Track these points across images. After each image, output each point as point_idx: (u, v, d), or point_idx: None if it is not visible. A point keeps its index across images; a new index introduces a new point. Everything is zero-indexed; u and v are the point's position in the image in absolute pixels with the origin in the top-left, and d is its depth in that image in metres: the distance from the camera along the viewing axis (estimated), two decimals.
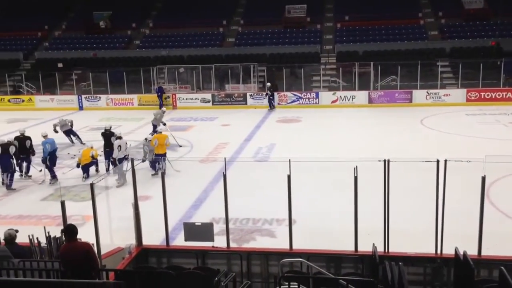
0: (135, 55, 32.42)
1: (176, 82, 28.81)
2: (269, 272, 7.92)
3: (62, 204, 7.29)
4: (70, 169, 14.96)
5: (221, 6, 35.46)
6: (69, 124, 18.75)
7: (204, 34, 33.99)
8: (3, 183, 13.74)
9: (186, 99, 27.75)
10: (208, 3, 35.10)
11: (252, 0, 36.32)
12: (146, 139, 14.98)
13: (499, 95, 25.16)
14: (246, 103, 27.17)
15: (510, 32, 29.50)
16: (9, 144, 13.73)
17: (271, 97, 26.32)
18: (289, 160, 7.66)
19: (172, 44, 33.28)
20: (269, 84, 26.63)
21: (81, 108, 28.27)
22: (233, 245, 8.89)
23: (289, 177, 7.77)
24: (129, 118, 24.65)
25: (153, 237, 8.69)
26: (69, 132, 18.70)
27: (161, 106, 26.72)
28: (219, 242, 8.27)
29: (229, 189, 8.19)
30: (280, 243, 8.84)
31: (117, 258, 7.77)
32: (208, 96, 27.43)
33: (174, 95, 27.72)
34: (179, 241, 8.90)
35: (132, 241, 8.16)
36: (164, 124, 18.34)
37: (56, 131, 18.22)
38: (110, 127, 15.53)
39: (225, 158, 9.14)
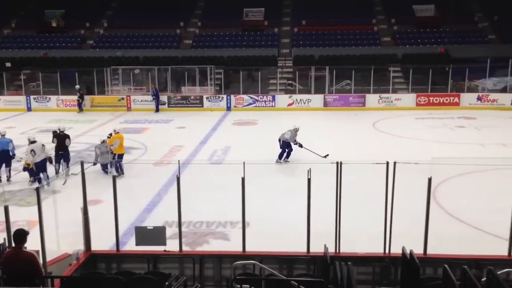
0: (88, 55, 31.66)
1: (131, 83, 28.30)
2: (221, 275, 7.88)
3: (6, 209, 6.98)
4: (15, 172, 14.39)
5: (179, 8, 35.17)
6: None
7: (161, 36, 33.60)
8: None
9: (141, 101, 27.30)
10: (166, 4, 34.74)
11: (210, 3, 36.25)
12: (103, 141, 14.58)
13: (446, 100, 26.12)
14: (202, 106, 27.01)
15: (458, 40, 30.77)
16: None
17: (79, 100, 26.32)
18: (244, 162, 7.66)
19: (128, 44, 32.73)
20: (78, 86, 26.59)
21: (29, 109, 27.31)
22: (186, 248, 8.81)
23: (243, 179, 7.77)
24: (80, 120, 24.00)
25: (103, 242, 8.47)
26: None
27: (157, 109, 26.17)
28: (172, 246, 8.16)
29: (183, 192, 8.11)
30: (233, 246, 8.81)
31: (64, 265, 7.52)
32: (163, 98, 27.07)
33: (128, 97, 27.23)
34: (130, 245, 8.71)
35: (80, 247, 7.92)
36: (300, 146, 15.62)
37: None
38: (64, 129, 15.13)
39: (179, 161, 9.06)
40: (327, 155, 15.01)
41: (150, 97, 27.09)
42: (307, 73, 27.82)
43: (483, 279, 5.22)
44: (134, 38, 33.43)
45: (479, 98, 25.83)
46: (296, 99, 26.81)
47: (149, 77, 28.06)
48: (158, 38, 33.41)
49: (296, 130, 15.76)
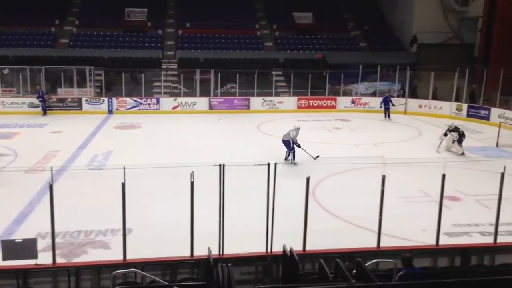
0: None
1: None
2: (100, 286, 7.48)
3: None
4: None
5: (54, 4, 33.01)
6: None
7: (34, 33, 31.28)
8: None
9: (11, 103, 25.10)
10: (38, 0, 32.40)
11: (88, 0, 34.54)
12: None
13: (324, 103, 27.67)
14: (81, 109, 25.59)
15: (333, 46, 32.80)
16: None
17: None
18: (124, 167, 7.36)
19: None
20: None
21: None
22: (61, 260, 8.24)
23: (123, 185, 7.49)
24: None
25: None
26: None
27: (45, 112, 24.36)
28: (45, 258, 7.57)
29: (60, 200, 7.61)
30: (114, 254, 8.41)
31: None
32: (37, 100, 25.11)
33: None
34: None
35: None
36: (298, 146, 15.72)
37: None
38: None
39: (51, 168, 8.45)
40: (318, 156, 15.76)
41: (20, 99, 25.09)
42: (192, 76, 27.68)
43: (354, 271, 5.56)
44: (3, 36, 30.66)
45: (353, 102, 27.72)
46: (181, 102, 26.56)
47: (20, 78, 25.88)
48: (31, 36, 31.02)
49: (298, 129, 16.09)
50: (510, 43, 26.73)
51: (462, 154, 17.03)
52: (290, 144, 15.75)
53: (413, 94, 28.12)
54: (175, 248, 8.53)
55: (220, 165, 7.87)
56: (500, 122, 19.66)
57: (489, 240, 8.91)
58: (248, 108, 26.97)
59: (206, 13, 33.92)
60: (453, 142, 17.40)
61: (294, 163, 15.49)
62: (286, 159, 15.70)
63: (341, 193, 12.98)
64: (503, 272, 6.73)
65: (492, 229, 8.84)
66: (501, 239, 8.88)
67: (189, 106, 26.53)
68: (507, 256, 8.41)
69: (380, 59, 29.45)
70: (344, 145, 18.85)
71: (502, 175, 8.19)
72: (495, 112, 23.18)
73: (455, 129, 17.53)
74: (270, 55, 32.02)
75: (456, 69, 25.03)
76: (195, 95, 27.16)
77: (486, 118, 23.53)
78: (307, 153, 15.75)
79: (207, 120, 24.21)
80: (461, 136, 17.33)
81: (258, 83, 27.37)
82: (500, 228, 8.77)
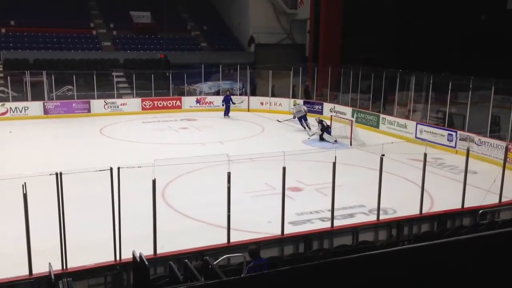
0: None
1: None
2: None
3: None
4: None
5: None
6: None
7: None
8: None
9: None
10: None
11: None
12: None
13: (170, 103, 27.43)
14: None
15: (175, 46, 32.74)
16: None
17: None
18: None
19: None
20: None
21: None
22: None
23: None
24: None
25: None
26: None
27: None
28: None
29: None
30: None
31: None
32: None
33: None
34: None
35: None
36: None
37: None
38: None
39: None
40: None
41: None
42: (21, 79, 25.21)
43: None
44: None
45: (198, 101, 27.96)
46: (11, 108, 24.05)
47: None
48: None
49: (300, 105, 22.50)
50: (333, 43, 29.51)
51: (335, 141, 19.25)
52: (305, 116, 21.68)
53: (254, 92, 29.42)
54: (12, 268, 7.70)
55: (56, 173, 7.30)
56: (332, 116, 21.58)
57: (328, 225, 9.68)
58: (89, 111, 25.50)
59: (33, 10, 31.20)
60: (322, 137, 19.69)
61: (310, 130, 20.85)
62: (309, 128, 21.19)
63: (190, 192, 13.01)
64: (338, 253, 7.37)
65: (330, 215, 9.60)
66: (337, 223, 9.73)
67: (20, 112, 24.17)
68: (343, 238, 9.25)
69: (221, 59, 30.23)
70: (191, 145, 18.90)
71: (334, 164, 8.95)
72: (327, 106, 25.38)
73: (319, 122, 19.89)
74: (108, 55, 30.68)
75: (291, 68, 26.82)
76: (26, 100, 24.82)
77: (320, 112, 25.61)
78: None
79: (42, 126, 22.33)
80: (326, 128, 19.71)
81: (98, 85, 26.01)
82: (336, 213, 9.60)
